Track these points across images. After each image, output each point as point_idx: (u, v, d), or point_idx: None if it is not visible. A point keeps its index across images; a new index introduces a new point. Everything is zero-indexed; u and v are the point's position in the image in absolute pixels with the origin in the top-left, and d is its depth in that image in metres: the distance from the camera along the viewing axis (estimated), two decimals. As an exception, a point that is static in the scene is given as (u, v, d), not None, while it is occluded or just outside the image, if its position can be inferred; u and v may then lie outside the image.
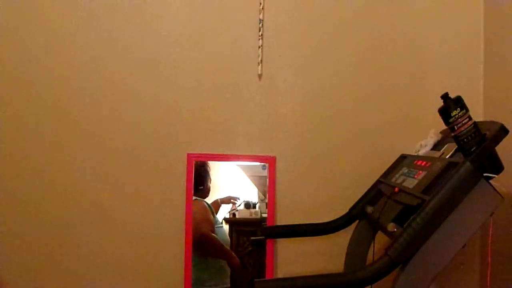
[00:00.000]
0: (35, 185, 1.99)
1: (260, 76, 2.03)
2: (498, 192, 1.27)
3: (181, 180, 1.99)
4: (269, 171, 2.02)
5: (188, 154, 2.00)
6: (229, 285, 2.07)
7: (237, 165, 2.08)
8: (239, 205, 2.12)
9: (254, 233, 2.08)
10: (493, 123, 1.34)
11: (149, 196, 2.00)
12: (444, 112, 1.31)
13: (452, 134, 1.31)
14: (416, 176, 1.47)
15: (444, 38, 2.07)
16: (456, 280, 2.02)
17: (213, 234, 2.02)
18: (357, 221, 1.80)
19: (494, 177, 1.28)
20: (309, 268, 2.03)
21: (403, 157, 1.80)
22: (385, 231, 1.42)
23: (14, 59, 1.98)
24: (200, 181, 2.03)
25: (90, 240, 2.00)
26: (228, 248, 2.06)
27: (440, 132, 1.73)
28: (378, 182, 1.79)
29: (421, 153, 1.69)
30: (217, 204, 2.10)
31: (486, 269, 1.56)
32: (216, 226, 2.06)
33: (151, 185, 2.01)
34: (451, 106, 1.30)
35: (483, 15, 2.05)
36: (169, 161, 2.01)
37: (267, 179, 2.02)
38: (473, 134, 1.27)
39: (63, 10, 1.99)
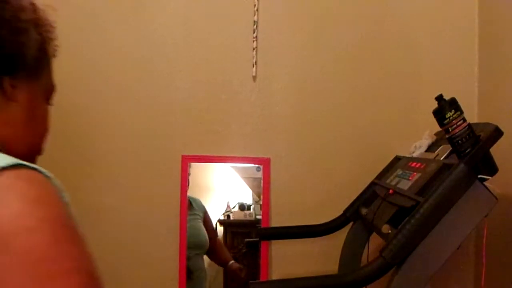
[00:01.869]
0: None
1: (254, 77, 2.02)
2: (492, 194, 1.27)
3: (175, 181, 1.98)
4: (264, 173, 2.01)
5: (182, 156, 1.99)
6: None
7: (232, 167, 2.08)
8: (234, 207, 2.11)
9: (249, 235, 2.08)
10: (487, 124, 1.34)
11: (143, 198, 2.00)
12: (439, 114, 1.31)
13: (447, 136, 1.31)
14: (410, 178, 1.47)
15: (439, 39, 2.07)
16: (451, 281, 2.02)
17: None
18: (352, 222, 1.80)
19: (488, 178, 1.29)
20: (303, 270, 2.03)
21: (397, 159, 1.80)
22: (379, 232, 1.42)
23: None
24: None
25: (85, 241, 1.99)
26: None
27: (435, 134, 1.74)
28: (372, 183, 1.79)
29: (415, 154, 1.69)
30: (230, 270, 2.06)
31: (480, 271, 1.56)
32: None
33: (145, 187, 2.00)
34: (445, 107, 1.30)
35: (478, 17, 2.05)
36: (163, 163, 2.00)
37: (262, 181, 2.02)
38: (467, 136, 1.27)
39: (59, 11, 1.98)
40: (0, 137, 0.78)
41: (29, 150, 0.86)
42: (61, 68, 2.00)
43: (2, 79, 0.80)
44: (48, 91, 0.98)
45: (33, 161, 0.85)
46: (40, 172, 0.70)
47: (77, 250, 0.68)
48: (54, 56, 1.03)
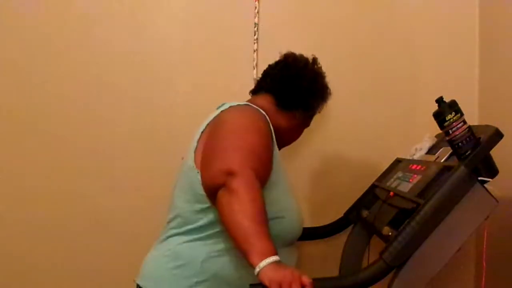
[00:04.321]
0: (31, 187, 1.98)
1: (255, 80, 2.02)
2: (492, 196, 1.27)
3: (176, 183, 1.98)
4: (265, 175, 2.01)
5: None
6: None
7: (232, 169, 2.07)
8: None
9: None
10: (488, 127, 1.34)
11: (144, 201, 1.99)
12: (439, 116, 1.31)
13: (447, 138, 1.31)
14: (411, 180, 1.47)
15: (439, 41, 2.08)
16: (452, 284, 2.02)
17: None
18: (352, 225, 1.80)
19: (488, 181, 1.28)
20: (304, 272, 2.02)
21: (398, 161, 1.80)
22: (380, 235, 1.42)
23: (11, 63, 1.97)
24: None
25: (86, 243, 1.99)
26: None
27: (435, 136, 1.74)
28: (373, 186, 1.79)
29: (416, 157, 1.69)
30: None
31: (481, 273, 1.56)
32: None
33: (146, 190, 2.00)
34: (446, 110, 1.30)
35: (478, 19, 2.06)
36: (164, 166, 2.00)
37: (263, 183, 2.02)
38: (467, 138, 1.27)
39: (59, 14, 1.99)
40: (276, 128, 1.40)
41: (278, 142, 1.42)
42: (63, 71, 2.01)
43: (299, 109, 1.50)
44: (307, 124, 1.65)
45: (281, 146, 1.51)
46: (264, 115, 1.36)
47: (248, 151, 1.20)
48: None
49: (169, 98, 2.01)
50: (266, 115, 1.37)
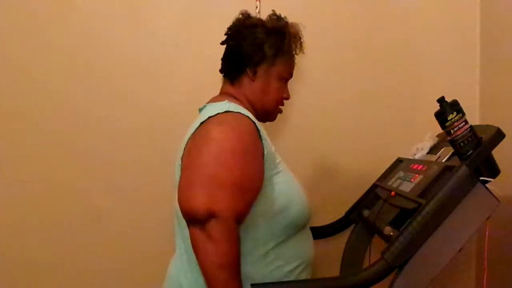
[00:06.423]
0: (30, 186, 1.98)
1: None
2: (494, 196, 1.27)
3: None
4: (265, 175, 2.01)
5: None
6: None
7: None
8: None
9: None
10: (489, 127, 1.33)
11: (144, 201, 2.00)
12: (441, 116, 1.31)
13: (449, 138, 1.31)
14: (412, 180, 1.46)
15: (441, 41, 2.07)
16: (453, 284, 2.02)
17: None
18: (353, 224, 1.80)
19: (490, 181, 1.28)
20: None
21: (399, 161, 1.80)
22: (381, 234, 1.42)
23: (11, 62, 1.97)
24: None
25: (85, 243, 1.99)
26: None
27: (437, 136, 1.73)
28: (374, 185, 1.78)
29: (417, 156, 1.69)
30: None
31: (482, 273, 1.56)
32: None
33: (147, 190, 2.00)
34: (447, 110, 1.30)
35: (479, 19, 2.06)
36: (164, 166, 1.99)
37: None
38: (469, 138, 1.27)
39: (59, 13, 1.99)
40: (249, 101, 1.43)
41: (263, 109, 1.47)
42: (63, 70, 2.01)
43: (245, 69, 1.44)
44: (281, 74, 1.47)
45: (266, 117, 1.50)
46: (246, 116, 1.29)
47: (219, 168, 1.19)
48: (293, 53, 1.54)
49: (169, 98, 2.01)
50: (248, 114, 1.31)
